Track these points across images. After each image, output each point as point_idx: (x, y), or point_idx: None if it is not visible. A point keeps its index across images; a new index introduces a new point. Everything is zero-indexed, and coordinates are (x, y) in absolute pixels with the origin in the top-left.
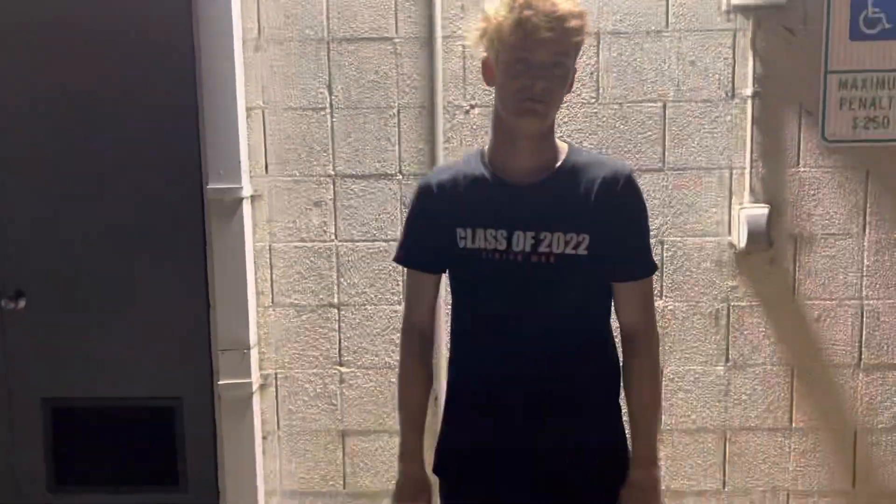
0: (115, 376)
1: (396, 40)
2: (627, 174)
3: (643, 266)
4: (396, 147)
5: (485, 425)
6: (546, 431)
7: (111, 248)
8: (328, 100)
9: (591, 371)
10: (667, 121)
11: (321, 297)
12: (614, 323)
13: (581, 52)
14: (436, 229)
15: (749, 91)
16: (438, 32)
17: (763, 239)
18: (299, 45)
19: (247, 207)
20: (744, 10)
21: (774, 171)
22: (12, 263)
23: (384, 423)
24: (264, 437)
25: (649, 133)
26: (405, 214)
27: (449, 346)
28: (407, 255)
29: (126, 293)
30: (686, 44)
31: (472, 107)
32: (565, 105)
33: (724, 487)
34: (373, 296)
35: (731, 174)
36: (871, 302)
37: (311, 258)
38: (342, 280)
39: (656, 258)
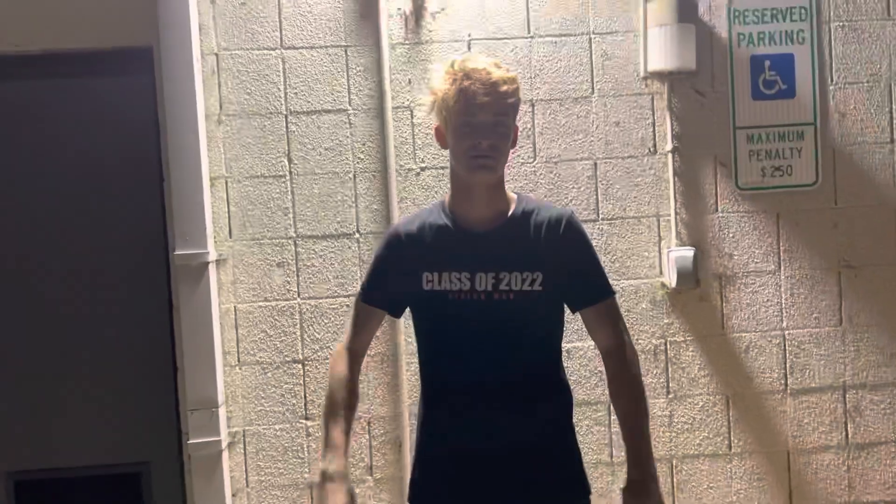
0: (80, 445)
1: (350, 111)
2: (569, 215)
3: (600, 289)
4: (354, 208)
5: (453, 454)
6: (510, 455)
7: (76, 314)
8: (287, 167)
9: (551, 394)
10: (598, 176)
11: (286, 353)
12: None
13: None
14: (402, 273)
15: (669, 147)
16: (388, 103)
17: (691, 278)
18: (260, 118)
19: (212, 271)
20: (659, 76)
21: (697, 217)
22: None
23: (352, 473)
24: (234, 494)
25: (582, 187)
26: (364, 269)
27: (420, 383)
28: (371, 296)
29: (91, 359)
30: (610, 107)
31: (423, 169)
32: (507, 164)
33: None
34: None
35: (658, 221)
36: (792, 332)
37: (275, 317)
38: (306, 336)
39: None
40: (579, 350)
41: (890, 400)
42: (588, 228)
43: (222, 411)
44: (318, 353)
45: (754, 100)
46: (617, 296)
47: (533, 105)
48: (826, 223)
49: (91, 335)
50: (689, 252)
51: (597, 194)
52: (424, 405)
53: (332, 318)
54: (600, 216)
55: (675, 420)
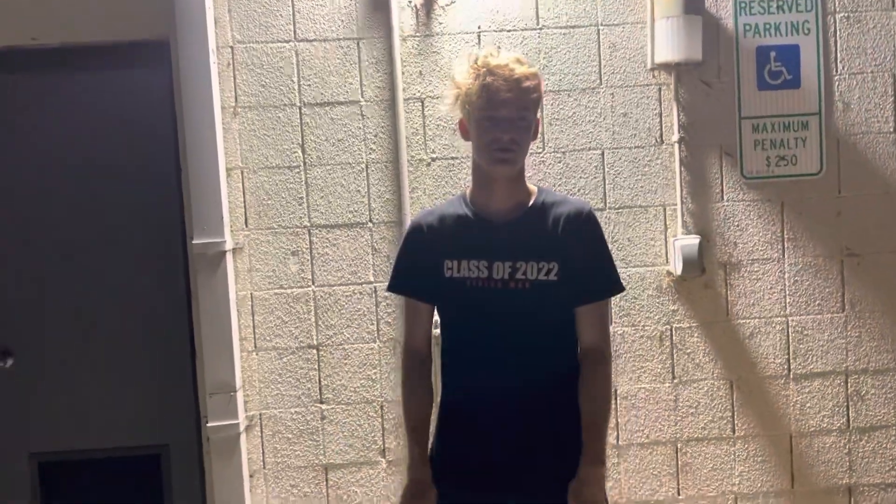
0: (103, 428)
1: (362, 103)
2: (588, 210)
3: (604, 287)
4: (366, 198)
5: (469, 436)
6: (524, 441)
7: (98, 303)
8: (302, 158)
9: (565, 383)
10: (605, 166)
11: (301, 339)
12: None
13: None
14: (425, 261)
15: (675, 137)
16: (400, 95)
17: (696, 266)
18: (274, 110)
19: (229, 259)
20: (666, 67)
21: (702, 206)
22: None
23: (365, 455)
24: (251, 476)
25: (590, 177)
26: (377, 258)
27: (440, 367)
28: (398, 283)
29: (113, 345)
30: (618, 98)
31: (433, 160)
32: None
33: (678, 495)
34: (350, 336)
35: (664, 210)
36: (795, 318)
37: (291, 304)
38: (320, 322)
39: None
40: None
41: (891, 385)
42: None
43: (240, 395)
44: (332, 339)
45: (760, 90)
46: (624, 283)
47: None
48: (830, 212)
49: (113, 321)
50: (694, 240)
51: (604, 184)
52: (444, 389)
53: (346, 305)
54: (608, 205)
55: (680, 404)
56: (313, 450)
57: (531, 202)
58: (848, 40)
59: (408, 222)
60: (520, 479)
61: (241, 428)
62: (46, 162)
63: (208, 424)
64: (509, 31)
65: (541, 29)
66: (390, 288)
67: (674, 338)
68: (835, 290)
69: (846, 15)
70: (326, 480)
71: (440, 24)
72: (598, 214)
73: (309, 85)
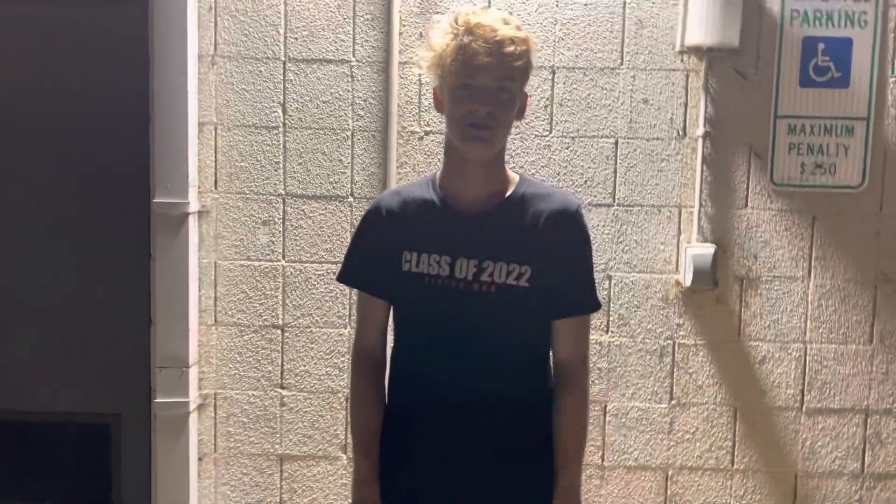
0: (52, 390)
1: (353, 63)
2: (575, 209)
3: (585, 303)
4: (349, 170)
5: (417, 448)
6: (477, 458)
7: (54, 258)
8: (282, 119)
9: (528, 399)
10: (618, 157)
11: (265, 317)
12: None
13: (538, 82)
14: (382, 251)
15: (700, 131)
16: (395, 58)
17: (708, 278)
18: (255, 62)
19: (193, 223)
20: (697, 51)
21: (723, 212)
22: None
23: (324, 448)
24: (200, 459)
25: (600, 167)
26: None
27: (389, 365)
28: (350, 274)
29: (67, 306)
30: (639, 82)
31: (427, 133)
32: (518, 136)
33: None
34: (318, 318)
35: (679, 212)
36: (815, 346)
37: (257, 277)
38: (288, 301)
39: (603, 293)
40: None
41: None
42: (601, 213)
43: (193, 371)
44: (299, 321)
45: (802, 87)
46: (625, 289)
47: (553, 72)
48: (868, 231)
49: (70, 277)
50: (708, 249)
51: (615, 176)
52: (390, 391)
53: (317, 285)
54: (616, 201)
55: (676, 428)
56: (269, 437)
57: (509, 192)
58: None
59: None
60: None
61: (192, 407)
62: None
63: (156, 400)
64: None
65: None
66: (341, 278)
67: (676, 355)
68: (863, 320)
69: None
70: (281, 472)
71: None
72: (603, 210)
73: (296, 38)
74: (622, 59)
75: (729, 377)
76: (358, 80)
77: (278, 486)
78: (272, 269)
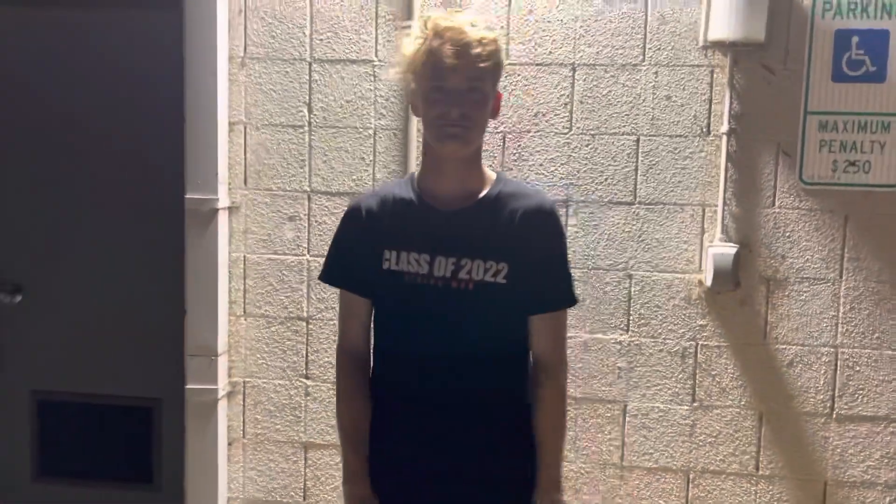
0: (101, 374)
1: (376, 63)
2: (549, 207)
3: (560, 299)
4: (371, 167)
5: (402, 441)
6: (459, 452)
7: (103, 250)
8: (307, 118)
9: (507, 395)
10: (640, 154)
11: (290, 309)
12: None
13: (559, 80)
14: (362, 250)
15: (724, 128)
16: None
17: (729, 279)
18: (283, 63)
19: (223, 218)
20: (721, 46)
21: (748, 211)
22: (11, 260)
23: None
24: (230, 444)
25: (621, 165)
26: None
27: (372, 359)
28: (332, 274)
29: (115, 294)
30: (662, 78)
31: None
32: (537, 134)
33: None
34: None
35: (703, 211)
36: (847, 350)
37: (283, 271)
38: (312, 294)
39: (623, 291)
40: (598, 343)
41: None
42: (623, 211)
43: (222, 360)
44: (323, 313)
45: (834, 82)
46: (646, 289)
47: (574, 69)
48: None
49: (117, 268)
50: (730, 250)
51: (636, 174)
52: (373, 384)
53: None
54: (638, 199)
55: (698, 431)
56: (294, 425)
57: (485, 191)
58: None
59: None
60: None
61: (220, 394)
62: (57, 102)
63: (187, 386)
64: None
65: None
66: (323, 277)
67: (698, 356)
68: None
69: None
70: (305, 459)
71: None
72: (625, 209)
73: (321, 39)
74: (644, 55)
75: (754, 380)
76: (380, 80)
77: (303, 472)
78: (297, 263)
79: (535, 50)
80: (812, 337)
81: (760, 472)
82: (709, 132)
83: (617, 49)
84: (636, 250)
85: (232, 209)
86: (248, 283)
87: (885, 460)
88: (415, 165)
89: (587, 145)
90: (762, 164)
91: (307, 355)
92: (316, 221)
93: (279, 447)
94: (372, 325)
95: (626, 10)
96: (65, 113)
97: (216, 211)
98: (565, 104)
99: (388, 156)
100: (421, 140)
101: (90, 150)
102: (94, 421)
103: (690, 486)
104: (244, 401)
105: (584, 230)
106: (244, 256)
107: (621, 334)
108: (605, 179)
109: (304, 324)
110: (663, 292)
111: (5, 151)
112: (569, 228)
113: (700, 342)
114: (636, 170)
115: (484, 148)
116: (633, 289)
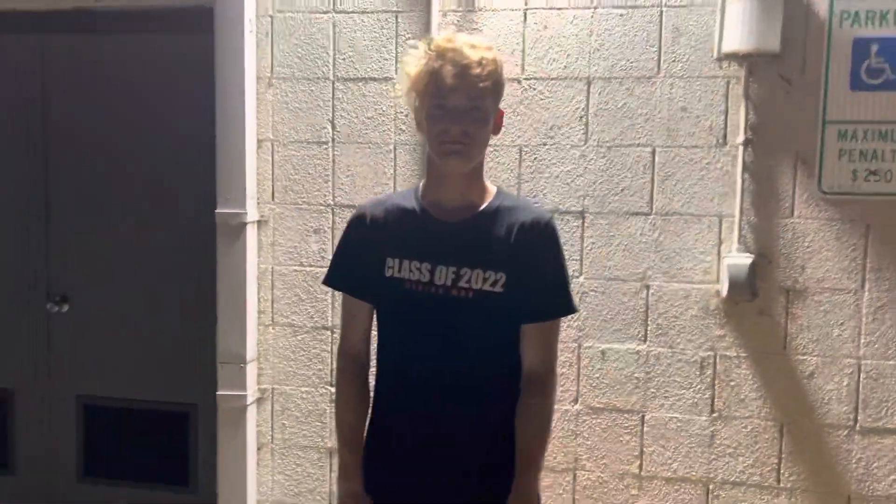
0: (142, 380)
1: (395, 80)
2: (546, 220)
3: (553, 308)
4: (392, 181)
5: (398, 444)
6: (454, 456)
7: (142, 263)
8: (331, 134)
9: (503, 402)
10: (656, 166)
11: (316, 319)
12: None
13: (574, 94)
14: (366, 256)
15: (741, 138)
16: None
17: (745, 289)
18: (308, 83)
19: (251, 231)
20: (736, 57)
21: (766, 221)
22: (60, 272)
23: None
24: (259, 448)
25: (637, 177)
26: None
27: (375, 365)
28: (335, 278)
29: (153, 304)
30: (677, 90)
31: None
32: (553, 146)
33: None
34: None
35: (720, 222)
36: (870, 362)
37: (309, 282)
38: (336, 305)
39: (640, 301)
40: (616, 352)
41: None
42: (640, 222)
43: (251, 368)
44: None
45: (853, 90)
46: (664, 299)
47: (589, 83)
48: None
49: (157, 278)
50: (745, 260)
51: (652, 185)
52: (376, 388)
53: None
54: (654, 210)
55: (717, 441)
56: (319, 431)
57: (485, 204)
58: None
59: None
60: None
61: (249, 400)
62: (101, 119)
63: (218, 393)
64: (560, 8)
65: (595, 8)
66: (327, 281)
67: (717, 366)
68: None
69: None
70: (330, 465)
71: None
72: (642, 219)
73: (344, 59)
74: (659, 67)
75: (774, 391)
76: (401, 98)
77: (328, 478)
78: (322, 274)
79: (551, 64)
80: (833, 348)
81: (781, 485)
82: (725, 143)
83: (632, 62)
84: (653, 261)
85: (260, 223)
86: (275, 293)
87: None
88: None
89: (603, 157)
90: (780, 174)
91: (332, 363)
92: (339, 234)
93: (305, 452)
94: (373, 330)
95: (641, 24)
96: (107, 133)
97: (245, 224)
98: (581, 117)
99: (408, 170)
100: (427, 155)
101: (130, 168)
102: (135, 425)
103: (710, 496)
104: (272, 407)
105: (601, 241)
106: (272, 268)
107: (639, 344)
108: (622, 191)
109: (329, 333)
110: (680, 302)
111: (55, 169)
112: (585, 240)
113: (718, 352)
114: (652, 181)
115: (501, 161)
116: (650, 299)
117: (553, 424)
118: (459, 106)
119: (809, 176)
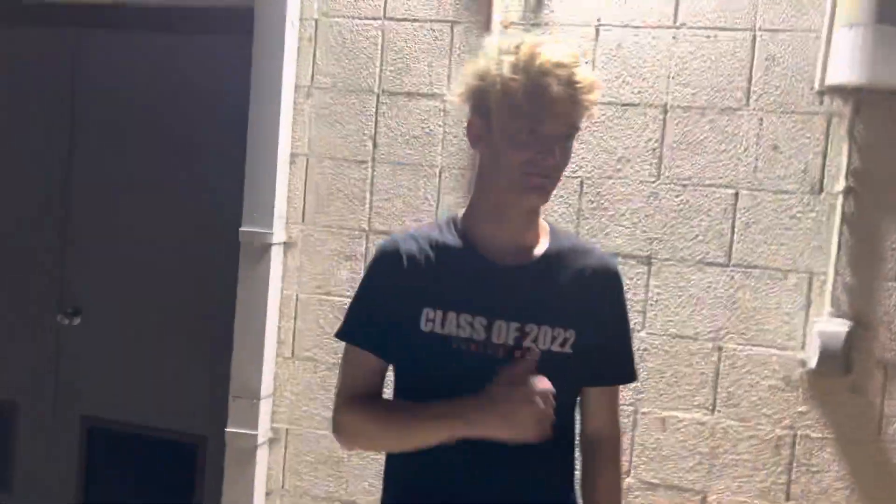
0: (151, 406)
1: (446, 98)
2: (616, 267)
3: (627, 372)
4: (434, 208)
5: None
6: None
7: (163, 277)
8: (371, 153)
9: (565, 478)
10: (737, 210)
11: (339, 355)
12: None
13: (647, 122)
14: (396, 304)
15: (841, 186)
16: None
17: (839, 361)
18: (349, 94)
19: (276, 253)
20: (841, 91)
21: (866, 283)
22: (74, 283)
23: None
24: (268, 494)
25: (715, 221)
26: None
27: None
28: (353, 331)
29: (169, 324)
30: (768, 125)
31: None
32: (620, 181)
33: None
34: None
35: (810, 280)
36: None
37: (336, 313)
38: None
39: (710, 366)
40: (678, 421)
41: None
42: (715, 273)
43: (265, 404)
44: None
45: None
46: (738, 364)
47: (665, 111)
48: None
49: (172, 299)
50: (841, 327)
51: (732, 232)
52: (394, 473)
53: None
54: (732, 261)
55: None
56: (335, 481)
57: (547, 245)
58: None
59: None
60: None
61: (260, 440)
62: (128, 122)
63: (227, 429)
64: (637, 27)
65: (678, 28)
66: (342, 335)
67: (796, 448)
68: None
69: None
70: None
71: (551, 12)
72: (717, 270)
73: (391, 70)
74: (748, 98)
75: (864, 482)
76: (450, 115)
77: None
78: None
79: (623, 88)
80: None
81: None
82: (821, 189)
83: (716, 90)
84: (728, 319)
85: (287, 245)
86: (298, 323)
87: None
88: None
89: (677, 196)
90: (885, 230)
91: None
92: None
93: (317, 503)
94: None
95: (729, 48)
96: (133, 137)
97: (269, 246)
98: (654, 149)
99: (453, 197)
100: (476, 178)
101: (155, 176)
102: (140, 451)
103: None
104: (286, 449)
105: (669, 292)
106: (297, 295)
107: (705, 414)
108: (696, 236)
109: None
110: (758, 370)
111: (78, 170)
112: (651, 289)
113: (799, 432)
114: (733, 227)
115: (558, 193)
116: (721, 363)
117: None
118: (557, 133)
119: None
